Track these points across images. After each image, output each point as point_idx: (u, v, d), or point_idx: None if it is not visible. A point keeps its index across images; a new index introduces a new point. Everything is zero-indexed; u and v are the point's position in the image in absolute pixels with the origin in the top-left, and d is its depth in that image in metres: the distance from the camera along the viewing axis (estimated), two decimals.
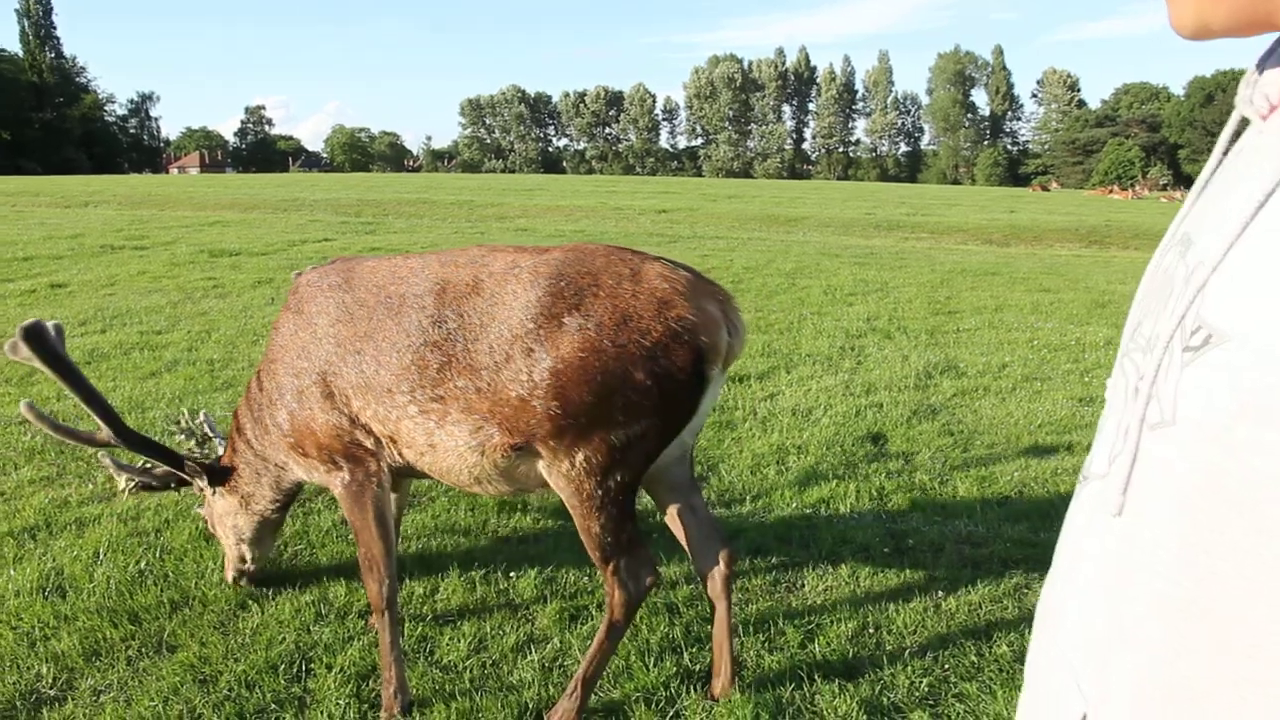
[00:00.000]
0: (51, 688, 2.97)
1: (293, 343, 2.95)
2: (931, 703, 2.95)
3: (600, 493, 2.63)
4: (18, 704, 2.88)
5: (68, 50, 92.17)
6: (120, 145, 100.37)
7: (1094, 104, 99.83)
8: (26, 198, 27.24)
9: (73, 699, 2.92)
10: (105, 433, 3.14)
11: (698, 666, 3.10)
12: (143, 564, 3.77)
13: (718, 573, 2.95)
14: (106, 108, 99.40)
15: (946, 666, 3.14)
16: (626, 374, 2.51)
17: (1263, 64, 0.69)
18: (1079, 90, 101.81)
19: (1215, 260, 0.64)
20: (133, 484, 3.40)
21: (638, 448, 2.60)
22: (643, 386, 2.52)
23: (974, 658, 3.18)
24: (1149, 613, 0.70)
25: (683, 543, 3.05)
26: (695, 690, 2.96)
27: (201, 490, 3.45)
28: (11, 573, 3.67)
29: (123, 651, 3.17)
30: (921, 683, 3.04)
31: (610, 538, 2.69)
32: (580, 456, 2.59)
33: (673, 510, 3.02)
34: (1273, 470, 0.58)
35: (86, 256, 13.41)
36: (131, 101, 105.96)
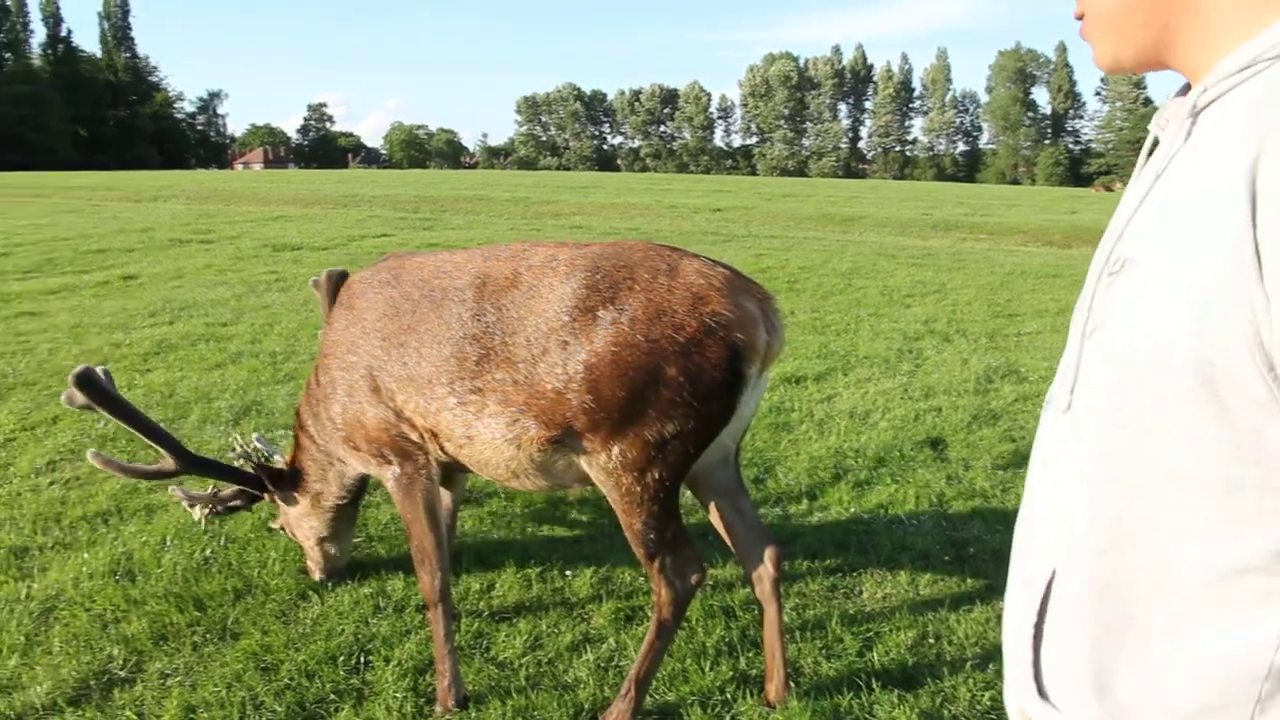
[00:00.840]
0: (122, 669, 3.05)
1: (344, 338, 3.00)
2: (994, 717, 2.88)
3: (639, 489, 2.62)
4: (91, 683, 2.96)
5: (141, 50, 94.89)
6: (188, 141, 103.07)
7: (1160, 101, 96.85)
8: (101, 192, 28.13)
9: (141, 681, 3.00)
10: (169, 462, 3.21)
11: (754, 671, 3.07)
12: (208, 552, 3.85)
13: (766, 575, 2.92)
14: (176, 105, 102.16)
15: None
16: (659, 369, 2.49)
17: (1169, 101, 0.98)
18: (1145, 88, 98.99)
19: (1128, 217, 0.95)
20: (206, 511, 3.47)
21: (674, 445, 2.57)
22: (676, 382, 2.49)
23: None
24: (1089, 467, 0.95)
25: (730, 545, 3.02)
26: (751, 695, 2.93)
27: (273, 499, 3.50)
28: (85, 556, 3.78)
29: (189, 637, 3.24)
30: (984, 696, 2.97)
31: (653, 535, 2.67)
32: (616, 451, 2.59)
33: (719, 513, 2.99)
34: (1156, 351, 0.85)
35: (156, 249, 13.79)
36: (200, 99, 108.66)
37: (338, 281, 3.53)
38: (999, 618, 3.44)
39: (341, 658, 3.12)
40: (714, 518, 3.02)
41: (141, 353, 7.34)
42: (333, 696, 2.93)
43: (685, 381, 2.50)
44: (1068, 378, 1.01)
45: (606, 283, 2.58)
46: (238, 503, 3.53)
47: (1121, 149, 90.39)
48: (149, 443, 3.19)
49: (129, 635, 3.22)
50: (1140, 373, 0.86)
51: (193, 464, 3.26)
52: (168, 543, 3.92)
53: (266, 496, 3.52)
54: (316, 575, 3.63)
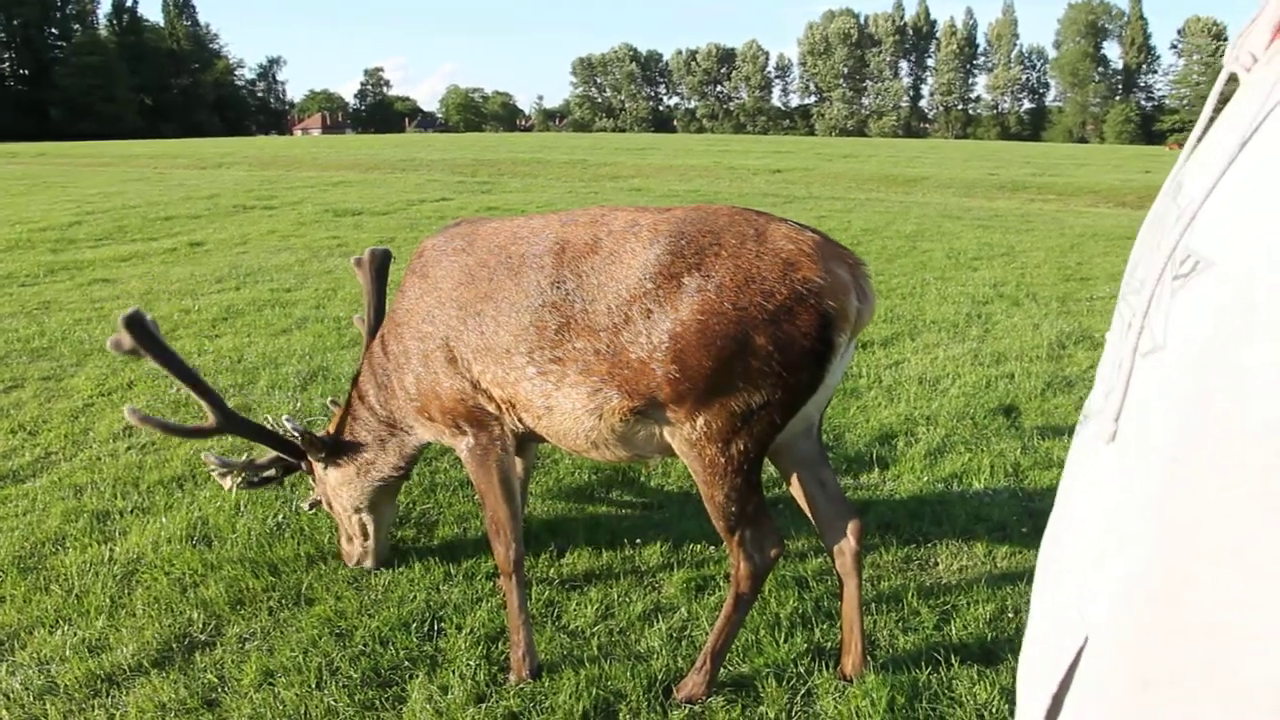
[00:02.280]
0: (202, 633, 3.10)
1: (418, 307, 2.94)
2: None
3: (723, 460, 2.55)
4: (173, 645, 3.02)
5: (201, 18, 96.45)
6: (249, 108, 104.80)
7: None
8: (166, 160, 28.73)
9: (221, 645, 3.05)
10: (211, 420, 3.16)
11: (828, 644, 3.02)
12: (280, 517, 3.90)
13: (847, 548, 2.84)
14: (236, 72, 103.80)
15: None
16: (747, 338, 2.40)
17: (1250, 26, 0.74)
18: (1225, 39, 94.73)
19: (1202, 197, 0.70)
20: (239, 480, 3.38)
21: (761, 416, 2.49)
22: (764, 351, 2.41)
23: None
24: (1140, 527, 0.73)
25: (810, 517, 2.94)
26: (827, 668, 2.88)
27: (314, 466, 3.43)
28: (163, 520, 3.86)
29: (265, 602, 3.28)
30: None
31: (735, 507, 2.62)
32: (701, 422, 2.52)
33: (800, 484, 2.91)
34: (1250, 382, 0.62)
35: (221, 216, 14.03)
36: (260, 65, 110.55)
37: (380, 261, 3.50)
38: None
39: (414, 625, 3.13)
40: (795, 489, 2.94)
41: (210, 319, 7.47)
42: (406, 663, 2.94)
43: (774, 350, 2.42)
44: (1114, 399, 0.79)
45: (692, 249, 2.49)
46: (271, 473, 3.45)
47: (1198, 105, 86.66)
48: (195, 396, 3.15)
49: (207, 599, 3.28)
50: (1216, 416, 0.65)
51: (233, 423, 3.21)
52: (241, 508, 3.98)
53: (304, 466, 3.46)
54: (350, 561, 3.51)
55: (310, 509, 3.64)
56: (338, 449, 3.37)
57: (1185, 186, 0.75)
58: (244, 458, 3.59)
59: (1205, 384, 0.66)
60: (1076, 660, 0.81)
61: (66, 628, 3.10)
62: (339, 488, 3.42)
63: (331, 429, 3.46)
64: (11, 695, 2.77)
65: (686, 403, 2.51)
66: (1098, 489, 0.81)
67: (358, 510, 3.43)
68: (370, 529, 3.46)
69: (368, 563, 3.51)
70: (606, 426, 2.68)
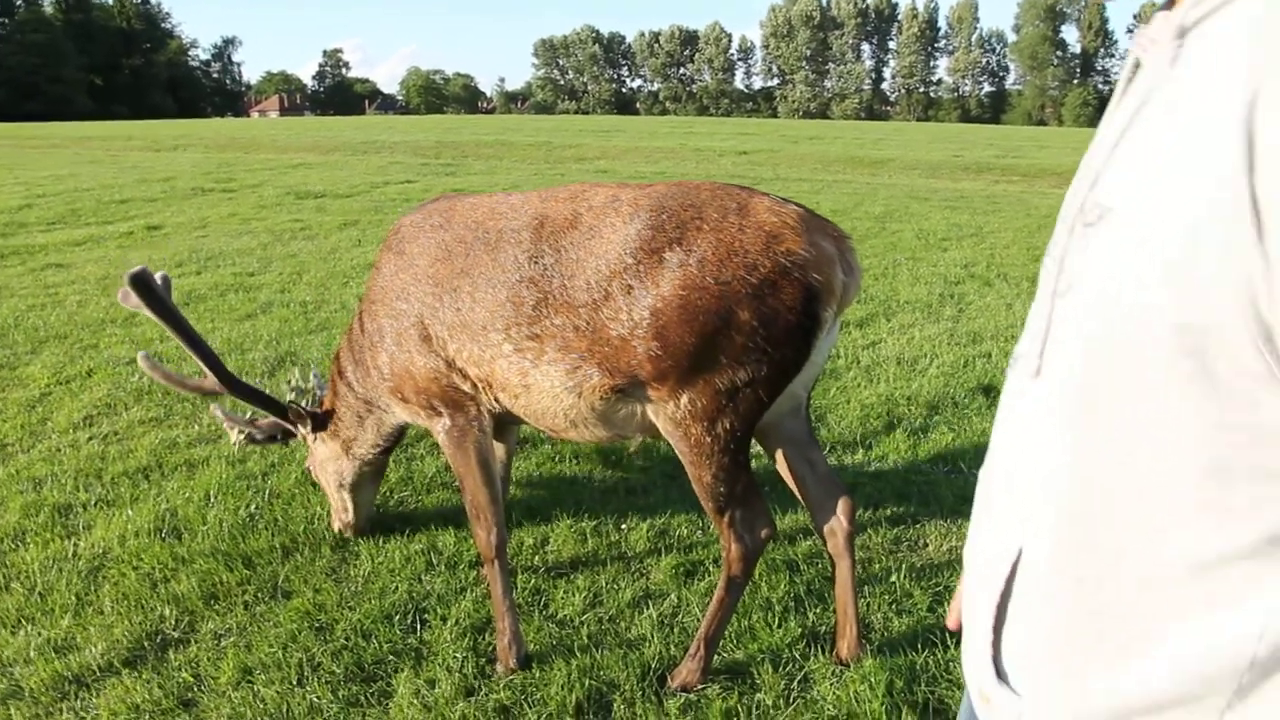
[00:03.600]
0: (175, 629, 2.98)
1: (393, 284, 2.85)
2: None
3: (709, 440, 2.48)
4: (145, 644, 2.90)
5: None
6: (204, 90, 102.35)
7: None
8: (119, 141, 27.97)
9: (195, 641, 2.93)
10: (210, 379, 3.15)
11: (823, 628, 2.97)
12: (252, 508, 3.77)
13: (839, 529, 2.79)
14: (190, 53, 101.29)
15: None
16: (731, 313, 2.34)
17: (1161, 9, 0.81)
18: None
19: (1105, 157, 0.83)
20: (242, 435, 3.40)
21: (747, 394, 2.43)
22: (749, 327, 2.34)
23: None
24: (1060, 446, 0.85)
25: (800, 498, 2.89)
26: (823, 653, 2.83)
27: (304, 437, 3.42)
28: (129, 513, 3.71)
29: (240, 596, 3.17)
30: None
31: (723, 488, 2.55)
32: (685, 400, 2.45)
33: (789, 465, 2.85)
34: (1135, 317, 0.74)
35: (179, 199, 13.66)
36: (215, 46, 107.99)
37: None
38: None
39: (397, 617, 3.03)
40: (783, 469, 2.88)
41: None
42: (391, 657, 2.84)
43: (759, 325, 2.35)
44: (1037, 339, 0.91)
45: (673, 223, 2.42)
46: (275, 436, 3.45)
47: None
48: (193, 357, 3.10)
49: (179, 594, 3.15)
50: (1117, 342, 0.77)
51: (231, 386, 3.17)
52: (211, 499, 3.84)
53: (299, 434, 3.43)
54: (335, 526, 3.54)
55: (306, 472, 3.63)
56: (324, 424, 3.32)
57: (1093, 151, 0.87)
58: (248, 415, 3.49)
59: (1106, 313, 0.78)
60: (1013, 573, 0.92)
61: (30, 628, 2.96)
62: (324, 463, 3.40)
63: (324, 404, 3.38)
64: None
65: (669, 380, 2.43)
66: (1026, 421, 0.92)
67: (341, 486, 3.41)
68: (350, 505, 3.46)
69: (348, 533, 3.53)
70: (586, 405, 2.60)
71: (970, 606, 1.01)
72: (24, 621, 3.00)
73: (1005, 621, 0.94)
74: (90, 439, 4.52)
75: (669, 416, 2.51)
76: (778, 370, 2.43)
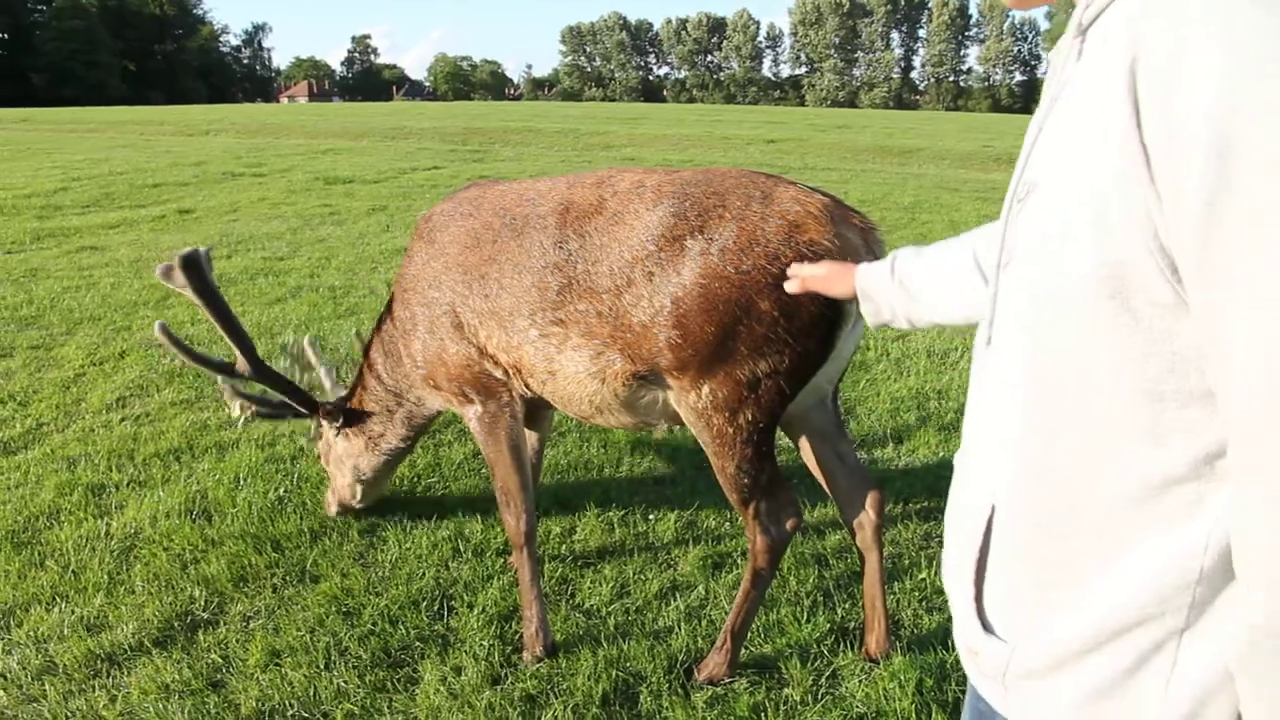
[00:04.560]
0: (204, 610, 3.00)
1: (425, 272, 2.84)
2: None
3: (731, 430, 2.45)
4: (174, 624, 2.92)
5: None
6: (234, 76, 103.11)
7: None
8: (153, 126, 28.24)
9: (224, 623, 2.95)
10: (242, 365, 3.14)
11: (852, 624, 2.94)
12: (281, 491, 3.79)
13: (868, 522, 2.75)
14: (221, 39, 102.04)
15: None
16: (751, 303, 2.30)
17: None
18: None
19: (1032, 144, 0.95)
20: (249, 411, 3.36)
21: (768, 385, 2.39)
22: (769, 317, 2.30)
23: None
24: (1014, 404, 0.96)
25: (829, 491, 2.85)
26: (851, 648, 2.80)
27: (324, 429, 3.40)
28: (161, 494, 3.74)
29: (268, 579, 3.18)
30: None
31: (747, 479, 2.52)
32: (706, 390, 2.42)
33: (817, 457, 2.81)
34: (1065, 269, 0.84)
35: (210, 183, 13.77)
36: (245, 32, 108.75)
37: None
38: None
39: (424, 603, 3.03)
40: (811, 463, 2.85)
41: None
42: (417, 643, 2.85)
43: (780, 316, 2.31)
44: (987, 313, 1.04)
45: (695, 210, 2.38)
46: (281, 414, 3.42)
47: None
48: (230, 342, 3.12)
49: (209, 576, 3.17)
50: (1053, 294, 0.87)
51: (262, 374, 3.18)
52: (241, 481, 3.87)
53: (314, 423, 3.42)
54: (331, 510, 3.54)
55: (308, 446, 3.64)
56: (351, 419, 3.30)
57: (1025, 141, 0.98)
58: (259, 392, 3.47)
59: (1039, 274, 0.88)
60: (988, 530, 1.00)
61: (64, 605, 2.99)
62: (344, 458, 3.38)
63: (350, 398, 3.37)
64: (9, 675, 2.66)
65: (690, 369, 2.41)
66: (985, 389, 1.04)
67: (359, 480, 3.40)
68: (360, 495, 3.47)
69: (332, 511, 3.55)
70: (610, 391, 2.59)
71: (953, 568, 1.07)
72: (58, 599, 3.03)
73: (985, 577, 1.02)
74: (123, 420, 4.56)
75: (691, 406, 2.49)
76: (800, 362, 2.39)
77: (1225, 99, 0.68)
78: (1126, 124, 0.76)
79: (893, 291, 1.72)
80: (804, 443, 2.83)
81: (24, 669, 2.68)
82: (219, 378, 3.29)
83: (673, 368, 2.43)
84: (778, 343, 2.34)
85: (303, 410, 3.36)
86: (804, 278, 2.02)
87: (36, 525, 3.51)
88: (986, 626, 1.02)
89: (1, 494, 3.75)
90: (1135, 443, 0.84)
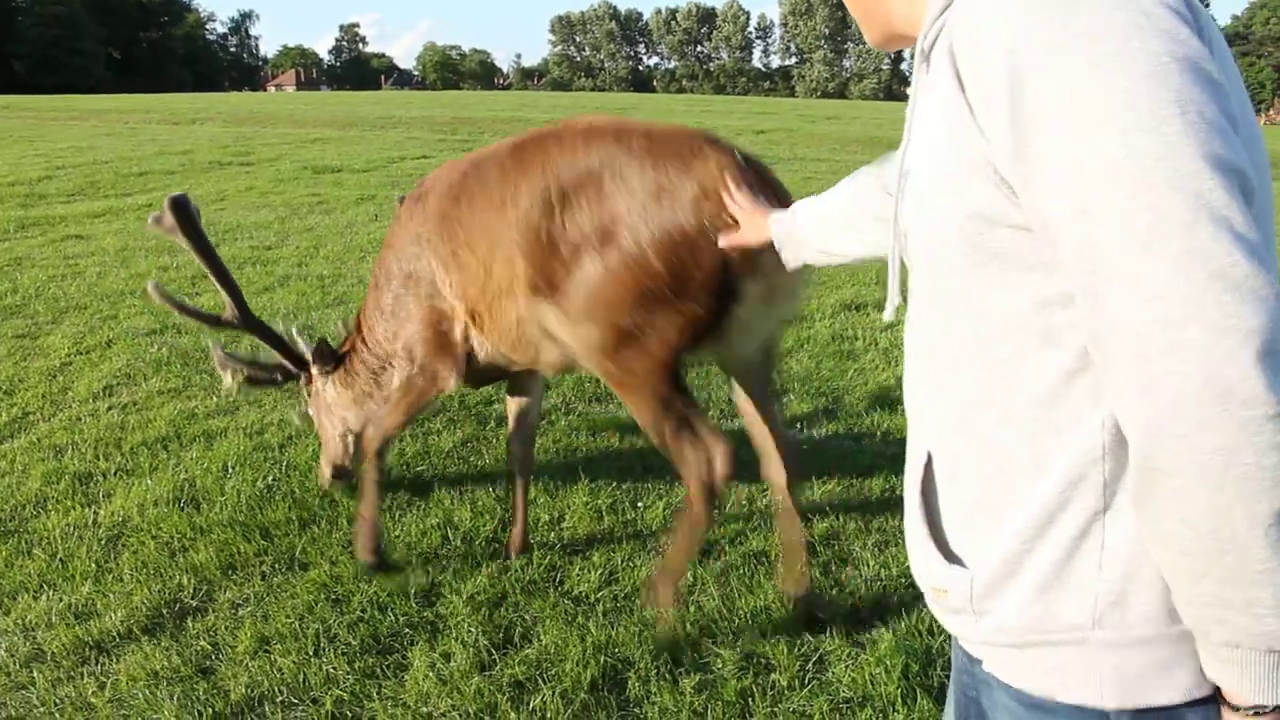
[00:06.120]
0: (193, 598, 3.00)
1: (404, 231, 2.99)
2: None
3: (620, 374, 2.52)
4: (163, 611, 2.92)
5: None
6: (221, 63, 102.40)
7: (1224, 20, 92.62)
8: (138, 115, 27.99)
9: (213, 610, 2.95)
10: (230, 313, 3.22)
11: (837, 609, 2.96)
12: (270, 479, 3.79)
13: (780, 479, 2.82)
14: (207, 26, 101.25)
15: None
16: (644, 259, 2.35)
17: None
18: (1207, 5, 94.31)
19: (905, 144, 1.11)
20: (240, 376, 3.40)
21: (652, 336, 2.42)
22: (657, 276, 2.35)
23: None
24: (920, 351, 1.12)
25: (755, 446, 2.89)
26: (837, 634, 2.82)
27: (313, 380, 3.45)
28: (149, 482, 3.74)
29: (257, 566, 3.18)
30: None
31: (655, 422, 2.54)
32: (583, 331, 2.50)
33: (745, 416, 2.87)
34: (942, 226, 0.99)
35: (197, 172, 13.68)
36: (232, 20, 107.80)
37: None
38: None
39: (413, 591, 3.04)
40: (744, 417, 2.90)
41: (189, 276, 7.27)
42: (406, 630, 2.86)
43: (668, 278, 2.34)
44: (895, 281, 1.22)
45: (626, 155, 2.43)
46: (274, 378, 3.49)
47: None
48: (219, 288, 3.21)
49: (197, 564, 3.17)
50: (935, 251, 1.01)
51: (250, 324, 3.29)
52: (229, 470, 3.87)
53: (304, 378, 3.46)
54: (325, 474, 3.59)
55: (300, 421, 3.69)
56: (340, 371, 3.36)
57: (902, 143, 1.14)
58: (250, 357, 3.53)
59: (924, 231, 1.03)
60: (929, 468, 1.10)
61: (51, 593, 2.99)
62: (333, 408, 3.43)
63: (343, 350, 3.41)
64: None
65: (575, 302, 2.47)
66: (909, 348, 1.14)
67: (348, 432, 3.45)
68: (349, 453, 3.51)
69: (324, 482, 3.62)
70: (524, 308, 2.65)
71: (911, 518, 1.14)
72: (45, 587, 3.03)
73: (939, 515, 1.09)
74: (110, 409, 4.55)
75: (573, 339, 2.56)
76: (688, 323, 2.41)
77: (1011, 47, 0.86)
78: (955, 95, 0.92)
79: (801, 231, 1.97)
80: (738, 401, 2.90)
81: (12, 656, 2.68)
82: (211, 346, 3.39)
83: (558, 294, 2.51)
84: (661, 302, 2.37)
85: (292, 367, 3.41)
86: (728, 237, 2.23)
87: (23, 514, 3.51)
88: (950, 559, 1.08)
89: None
90: (1034, 350, 0.94)
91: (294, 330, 3.59)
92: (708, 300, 2.37)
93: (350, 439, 3.46)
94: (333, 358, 3.36)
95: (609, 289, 2.41)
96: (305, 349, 3.42)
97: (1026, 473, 0.98)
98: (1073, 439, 0.94)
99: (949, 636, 2.78)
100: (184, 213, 3.05)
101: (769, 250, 2.23)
